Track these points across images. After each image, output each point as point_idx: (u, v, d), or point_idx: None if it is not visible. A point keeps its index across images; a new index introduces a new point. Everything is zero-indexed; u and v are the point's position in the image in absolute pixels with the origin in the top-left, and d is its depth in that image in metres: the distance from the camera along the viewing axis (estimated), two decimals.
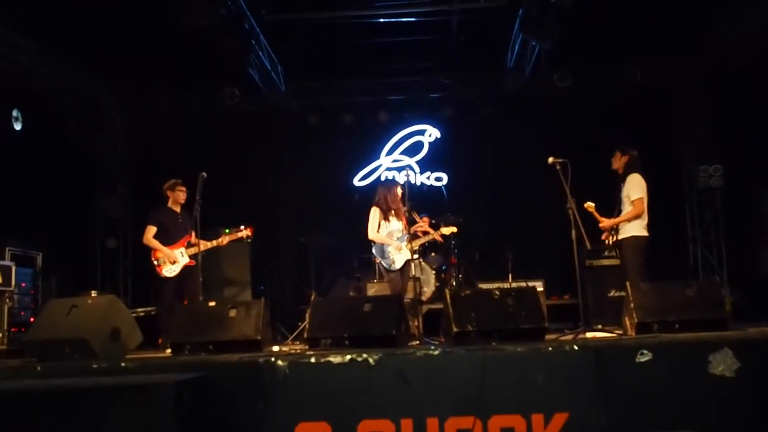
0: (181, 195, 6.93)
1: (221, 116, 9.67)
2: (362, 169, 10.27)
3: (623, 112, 9.15)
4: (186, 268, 6.81)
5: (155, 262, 6.71)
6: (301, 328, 7.12)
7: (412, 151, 10.32)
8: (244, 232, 7.19)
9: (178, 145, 9.16)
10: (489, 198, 9.69)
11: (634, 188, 6.25)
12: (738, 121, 8.92)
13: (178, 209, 6.96)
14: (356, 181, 10.26)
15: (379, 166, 10.31)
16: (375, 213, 6.78)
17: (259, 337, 5.16)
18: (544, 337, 5.12)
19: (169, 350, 5.56)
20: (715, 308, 5.29)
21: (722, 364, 4.13)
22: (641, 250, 6.18)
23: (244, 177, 9.58)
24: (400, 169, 10.13)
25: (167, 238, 6.82)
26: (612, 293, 7.92)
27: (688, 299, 5.30)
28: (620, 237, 6.28)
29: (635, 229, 6.24)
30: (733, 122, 9.01)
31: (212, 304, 5.68)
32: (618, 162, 6.41)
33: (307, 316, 5.39)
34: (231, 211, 8.47)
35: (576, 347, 4.27)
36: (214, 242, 7.00)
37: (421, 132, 10.34)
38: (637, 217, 6.21)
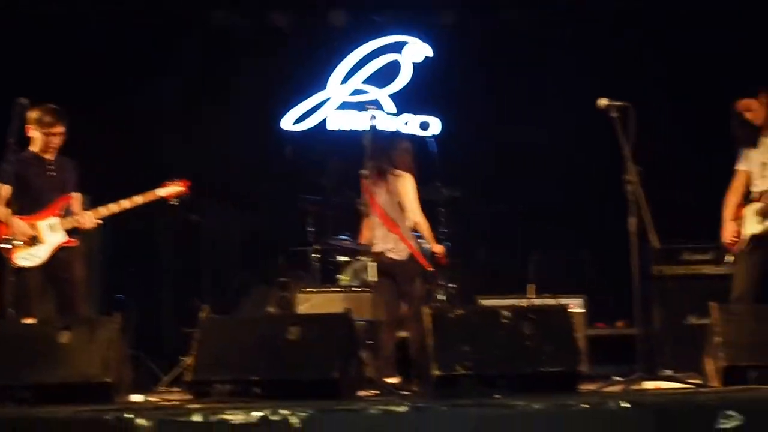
0: (57, 136, 6.83)
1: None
2: (298, 104, 10.27)
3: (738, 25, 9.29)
4: (60, 253, 6.73)
5: (4, 245, 6.54)
6: (182, 365, 7.05)
7: (382, 78, 10.34)
8: (173, 188, 7.12)
9: None
10: (504, 161, 9.76)
11: None
12: None
13: (51, 156, 6.87)
14: (287, 125, 10.27)
15: (326, 100, 10.31)
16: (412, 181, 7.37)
17: (109, 379, 5.16)
18: (579, 386, 5.17)
19: None
20: None
21: None
22: None
23: (97, 113, 9.42)
24: (361, 107, 10.10)
25: (30, 202, 6.68)
26: (692, 320, 8.00)
27: None
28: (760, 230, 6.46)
29: None
30: None
31: (29, 321, 5.66)
32: (758, 108, 6.58)
33: (194, 345, 5.38)
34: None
35: (626, 404, 4.29)
36: (123, 203, 6.87)
37: (401, 47, 10.34)
38: None
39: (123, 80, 9.69)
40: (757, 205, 6.42)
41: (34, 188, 6.68)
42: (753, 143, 6.54)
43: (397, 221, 7.22)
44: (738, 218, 6.52)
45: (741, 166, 6.62)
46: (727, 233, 6.56)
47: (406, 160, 7.35)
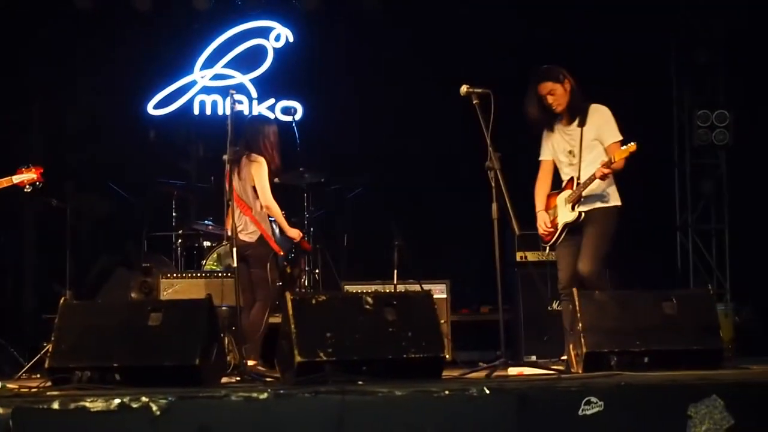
0: None
1: None
2: (162, 89, 10.17)
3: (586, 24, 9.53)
4: None
5: None
6: (43, 352, 6.92)
7: (246, 63, 10.30)
8: (26, 176, 7.01)
9: None
10: (368, 146, 9.83)
11: (611, 125, 6.45)
12: (758, 47, 9.34)
13: None
14: (151, 109, 10.14)
15: (191, 84, 10.23)
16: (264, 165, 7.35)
17: None
18: (441, 373, 5.20)
19: None
20: (704, 334, 5.54)
21: (708, 421, 4.28)
22: (616, 232, 6.43)
23: None
24: (225, 92, 10.02)
25: None
26: (555, 305, 8.15)
27: (665, 319, 5.53)
28: (587, 208, 6.44)
29: (613, 194, 6.46)
30: (750, 48, 9.43)
31: None
32: (562, 94, 6.48)
33: (54, 331, 5.28)
34: None
35: (488, 390, 4.33)
36: None
37: (264, 33, 10.31)
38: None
39: None
40: (567, 193, 6.43)
41: None
42: (550, 127, 6.52)
43: (250, 204, 7.26)
44: (550, 208, 6.54)
45: (545, 156, 6.62)
46: (541, 224, 6.56)
47: (271, 145, 7.33)
